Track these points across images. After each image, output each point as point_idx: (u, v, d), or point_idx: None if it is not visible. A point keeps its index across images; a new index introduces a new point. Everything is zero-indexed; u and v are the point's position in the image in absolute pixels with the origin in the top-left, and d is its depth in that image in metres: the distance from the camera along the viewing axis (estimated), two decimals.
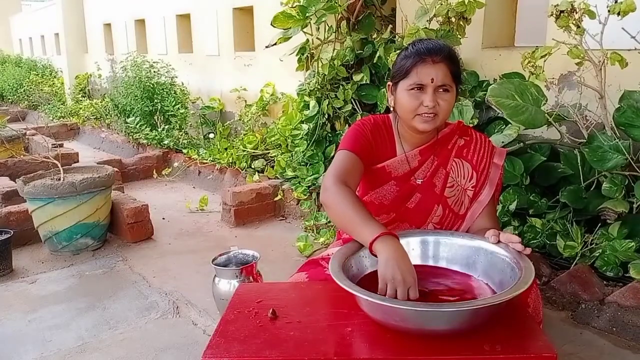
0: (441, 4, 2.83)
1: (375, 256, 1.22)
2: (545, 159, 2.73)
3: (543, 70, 2.45)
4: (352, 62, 3.58)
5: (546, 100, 2.54)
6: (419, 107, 1.43)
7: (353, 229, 1.32)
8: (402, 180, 1.56)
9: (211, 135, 5.39)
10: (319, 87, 3.62)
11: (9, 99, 11.13)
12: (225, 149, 4.77)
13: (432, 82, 1.41)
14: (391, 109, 1.56)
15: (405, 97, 1.45)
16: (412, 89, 1.43)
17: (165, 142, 5.41)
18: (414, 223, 1.57)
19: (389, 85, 1.54)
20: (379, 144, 1.56)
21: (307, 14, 3.26)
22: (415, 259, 1.38)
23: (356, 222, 1.30)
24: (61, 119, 8.22)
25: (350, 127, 1.60)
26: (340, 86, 3.61)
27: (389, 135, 1.58)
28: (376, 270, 1.31)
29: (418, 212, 1.56)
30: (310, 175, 3.72)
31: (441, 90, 1.43)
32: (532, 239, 2.59)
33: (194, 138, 5.61)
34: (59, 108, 8.70)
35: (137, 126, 5.79)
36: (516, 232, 2.65)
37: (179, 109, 5.67)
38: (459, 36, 2.88)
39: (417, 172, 1.56)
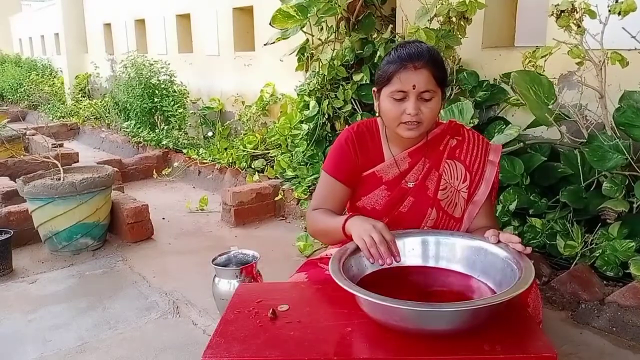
0: (442, 4, 2.83)
1: (351, 238, 1.33)
2: (545, 159, 2.73)
3: (543, 70, 2.45)
4: (352, 62, 3.58)
5: (555, 100, 2.53)
6: (402, 115, 1.41)
7: (330, 231, 1.45)
8: (393, 184, 1.54)
9: (210, 134, 5.39)
10: (319, 87, 3.62)
11: (9, 99, 11.14)
12: (225, 149, 4.77)
13: (413, 89, 1.38)
14: (377, 115, 1.54)
15: (388, 105, 1.43)
16: (394, 96, 1.41)
17: (164, 142, 5.42)
18: (409, 227, 1.52)
19: (374, 90, 1.52)
20: (365, 153, 1.55)
21: (308, 15, 3.26)
22: (416, 259, 1.38)
23: (329, 225, 1.46)
24: (61, 119, 8.22)
25: (334, 142, 1.60)
26: (340, 86, 3.61)
27: (375, 141, 1.57)
28: (376, 271, 1.32)
29: (412, 216, 1.53)
30: (311, 175, 3.72)
31: (424, 96, 1.40)
32: (532, 239, 2.59)
33: (194, 138, 5.61)
34: (58, 108, 8.70)
35: (135, 129, 5.80)
36: (516, 232, 2.64)
37: (177, 108, 5.67)
38: (459, 36, 2.88)
39: (408, 175, 1.53)
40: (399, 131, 1.45)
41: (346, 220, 1.38)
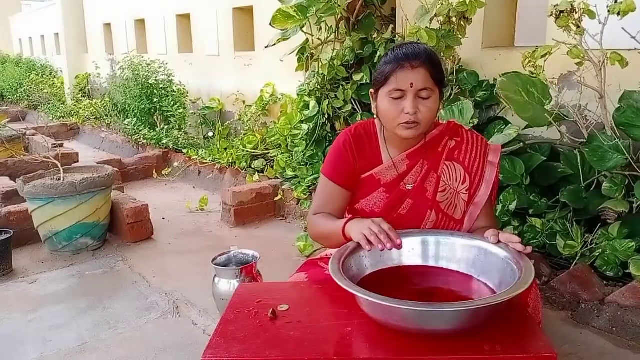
0: (442, 4, 2.83)
1: (351, 240, 1.37)
2: (545, 159, 2.73)
3: (543, 70, 2.45)
4: (352, 62, 3.58)
5: (550, 100, 2.53)
6: (400, 115, 1.40)
7: (331, 235, 1.48)
8: (391, 186, 1.53)
9: (210, 134, 5.40)
10: (319, 87, 3.63)
11: (9, 99, 11.14)
12: (225, 149, 4.77)
13: (411, 87, 1.38)
14: (375, 115, 1.53)
15: (386, 105, 1.42)
16: (392, 95, 1.41)
17: (164, 142, 5.42)
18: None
19: (371, 92, 1.51)
20: (363, 155, 1.54)
21: (307, 15, 3.26)
22: (416, 259, 1.38)
23: (329, 229, 1.49)
24: (61, 119, 8.22)
25: (333, 144, 1.60)
26: (340, 86, 3.61)
27: (373, 143, 1.56)
28: (376, 271, 1.32)
29: (411, 218, 1.52)
30: (310, 175, 3.72)
31: (422, 95, 1.39)
32: (532, 239, 2.59)
33: (194, 138, 5.61)
34: (58, 108, 8.70)
35: (135, 127, 5.80)
36: (516, 232, 2.65)
37: (177, 108, 5.68)
38: (459, 36, 2.88)
39: (407, 178, 1.52)
40: (397, 131, 1.44)
41: (346, 223, 1.40)
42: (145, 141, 5.65)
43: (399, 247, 1.34)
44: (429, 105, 1.41)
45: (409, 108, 1.38)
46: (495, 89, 2.47)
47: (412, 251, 1.38)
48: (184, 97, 5.95)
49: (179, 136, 5.49)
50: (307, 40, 3.76)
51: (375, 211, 1.54)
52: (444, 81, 1.46)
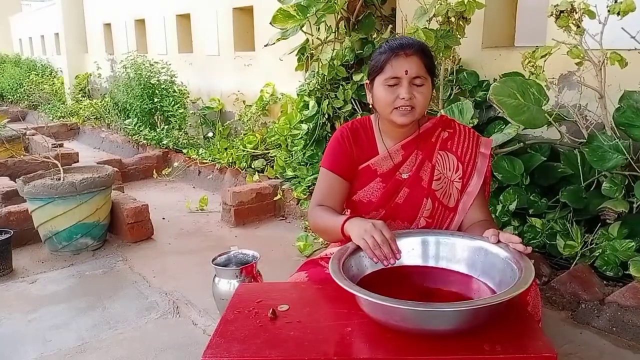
0: (441, 4, 2.83)
1: (350, 239, 1.35)
2: (545, 159, 2.73)
3: (543, 70, 2.45)
4: (352, 62, 3.58)
5: (547, 100, 2.54)
6: (396, 101, 1.46)
7: (330, 230, 1.46)
8: (387, 176, 1.57)
9: (210, 134, 5.40)
10: (318, 87, 3.63)
11: (9, 99, 11.14)
12: (225, 148, 4.77)
13: (406, 74, 1.44)
14: (370, 106, 1.59)
15: (382, 92, 1.49)
16: (387, 83, 1.47)
17: (164, 142, 5.42)
18: (405, 219, 1.57)
19: (366, 83, 1.59)
20: (360, 148, 1.59)
21: (307, 14, 3.27)
22: (416, 259, 1.38)
23: (328, 224, 1.48)
24: (61, 118, 8.22)
25: (331, 138, 1.64)
26: (340, 86, 3.61)
27: (369, 135, 1.61)
28: (376, 271, 1.32)
29: (408, 207, 1.56)
30: (310, 175, 3.72)
31: (416, 82, 1.46)
32: (532, 239, 2.59)
33: (194, 138, 5.61)
34: (59, 108, 8.71)
35: (136, 127, 5.80)
36: (516, 232, 2.65)
37: (178, 108, 5.68)
38: (458, 36, 2.88)
39: (402, 167, 1.57)
40: (392, 117, 1.49)
41: (345, 221, 1.41)
42: (145, 141, 5.65)
43: (399, 259, 1.33)
44: (422, 92, 1.47)
45: (404, 93, 1.45)
46: (488, 95, 2.47)
47: (412, 251, 1.38)
48: (185, 97, 5.95)
49: (179, 136, 5.49)
50: (307, 40, 3.76)
51: (373, 201, 1.58)
52: (435, 71, 1.53)
